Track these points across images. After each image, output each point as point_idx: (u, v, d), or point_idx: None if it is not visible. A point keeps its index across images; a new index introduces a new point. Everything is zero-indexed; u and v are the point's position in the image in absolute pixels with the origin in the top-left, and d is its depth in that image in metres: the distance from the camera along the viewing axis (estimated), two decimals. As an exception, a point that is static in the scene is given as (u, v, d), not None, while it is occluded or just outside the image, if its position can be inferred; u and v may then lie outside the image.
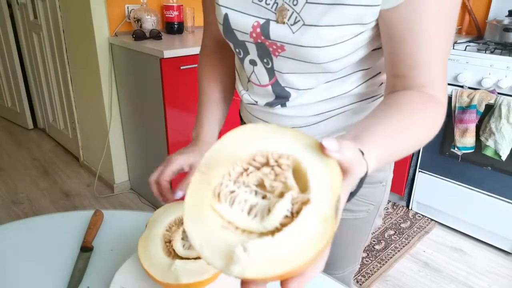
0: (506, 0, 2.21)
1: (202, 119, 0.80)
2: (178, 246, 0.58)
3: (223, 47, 0.84)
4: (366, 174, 0.42)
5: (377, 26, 0.59)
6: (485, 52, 1.90)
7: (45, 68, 2.93)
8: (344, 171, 0.38)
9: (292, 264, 0.32)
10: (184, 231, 0.59)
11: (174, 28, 2.32)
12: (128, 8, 2.23)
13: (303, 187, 0.35)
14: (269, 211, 0.35)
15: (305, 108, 0.70)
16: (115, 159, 2.47)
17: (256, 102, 0.74)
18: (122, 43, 2.10)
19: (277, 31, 0.61)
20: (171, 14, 2.29)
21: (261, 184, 0.37)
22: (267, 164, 0.37)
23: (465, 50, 1.95)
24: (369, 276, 1.87)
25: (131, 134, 2.39)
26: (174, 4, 2.27)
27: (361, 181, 0.42)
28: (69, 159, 2.95)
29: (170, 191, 0.70)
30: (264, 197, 0.37)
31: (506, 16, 2.12)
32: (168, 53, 1.85)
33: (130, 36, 2.14)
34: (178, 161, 0.71)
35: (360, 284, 1.82)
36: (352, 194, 0.43)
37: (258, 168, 0.37)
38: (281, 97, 0.70)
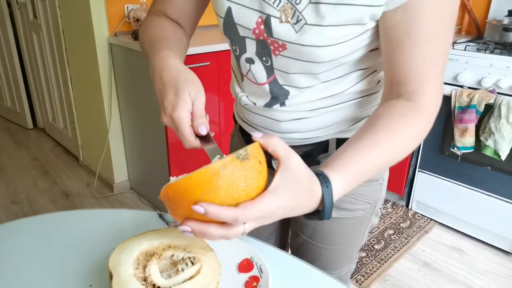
0: (506, 0, 2.21)
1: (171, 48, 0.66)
2: (159, 279, 0.55)
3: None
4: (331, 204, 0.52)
5: (376, 27, 0.60)
6: (485, 52, 1.90)
7: (44, 68, 2.93)
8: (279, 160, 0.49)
9: None
10: (158, 261, 0.58)
11: (173, 27, 2.32)
12: (127, 8, 2.23)
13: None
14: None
15: (302, 105, 0.70)
16: (114, 159, 2.47)
17: (255, 103, 0.74)
18: (121, 42, 2.10)
19: (279, 30, 0.61)
20: (171, 14, 2.28)
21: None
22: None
23: (464, 50, 1.95)
24: (369, 276, 1.87)
25: (131, 134, 2.39)
26: (173, 4, 2.26)
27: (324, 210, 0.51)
28: (68, 158, 2.96)
29: (193, 135, 0.58)
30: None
31: (505, 16, 2.12)
32: (167, 53, 1.85)
33: (130, 36, 2.14)
34: (188, 99, 0.56)
35: (360, 284, 1.83)
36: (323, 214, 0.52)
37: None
38: (277, 97, 0.70)
